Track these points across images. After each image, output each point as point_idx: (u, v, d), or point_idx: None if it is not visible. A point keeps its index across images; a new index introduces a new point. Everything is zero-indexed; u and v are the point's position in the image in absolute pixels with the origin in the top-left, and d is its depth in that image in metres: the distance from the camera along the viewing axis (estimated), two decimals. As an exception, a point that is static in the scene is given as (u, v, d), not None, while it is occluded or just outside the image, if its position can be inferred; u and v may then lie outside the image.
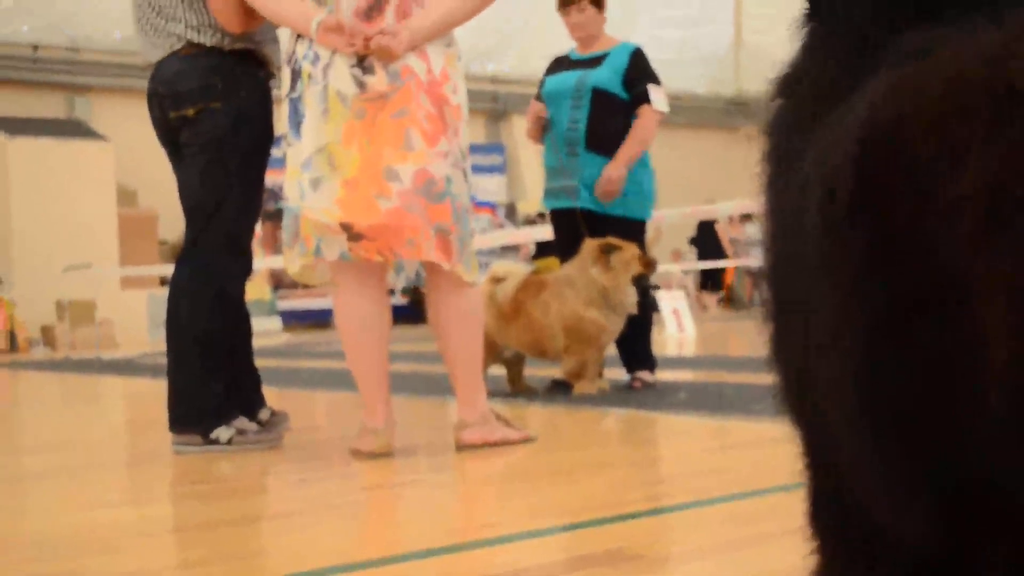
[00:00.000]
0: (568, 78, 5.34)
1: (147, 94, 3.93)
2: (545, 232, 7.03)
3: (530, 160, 20.85)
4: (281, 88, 3.63)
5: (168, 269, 9.33)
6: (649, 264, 5.14)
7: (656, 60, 5.47)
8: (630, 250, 5.05)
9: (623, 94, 5.25)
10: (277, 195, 8.73)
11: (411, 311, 16.49)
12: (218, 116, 3.77)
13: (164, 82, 3.83)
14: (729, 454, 3.39)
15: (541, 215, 15.73)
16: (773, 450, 3.14)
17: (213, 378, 3.77)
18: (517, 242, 15.34)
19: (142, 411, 6.08)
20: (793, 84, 1.06)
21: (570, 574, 1.96)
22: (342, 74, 3.37)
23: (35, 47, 18.94)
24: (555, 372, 5.44)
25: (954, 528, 0.88)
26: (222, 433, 3.74)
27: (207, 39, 3.78)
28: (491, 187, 21.63)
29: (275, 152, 4.05)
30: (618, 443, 3.92)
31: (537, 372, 5.83)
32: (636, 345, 5.35)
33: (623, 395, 5.00)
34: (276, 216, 14.66)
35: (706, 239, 19.07)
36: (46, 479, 3.53)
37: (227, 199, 3.81)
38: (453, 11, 3.43)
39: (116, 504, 3.05)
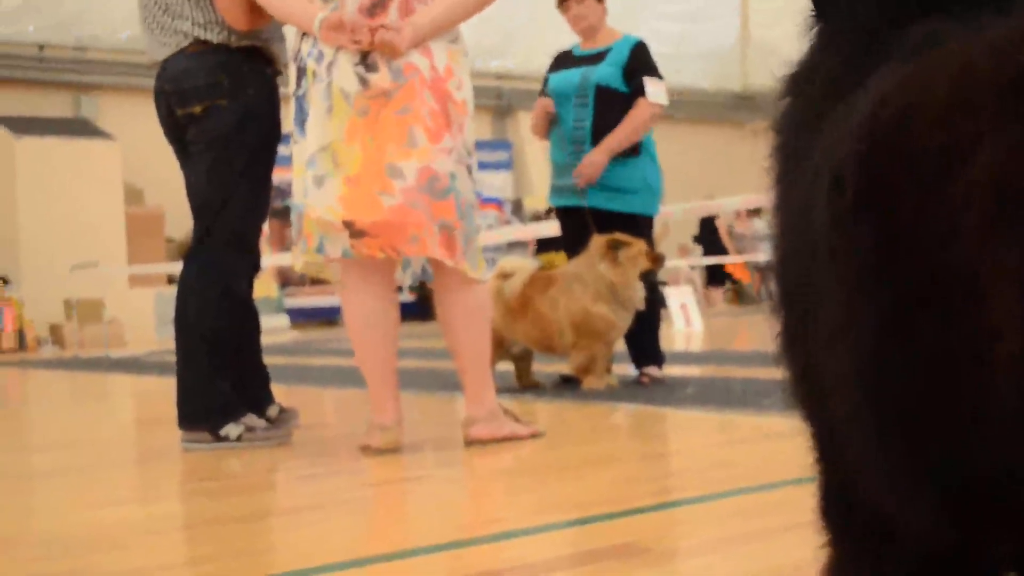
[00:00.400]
0: (572, 75, 5.32)
1: (154, 92, 3.93)
2: (552, 228, 7.02)
3: (536, 156, 20.82)
4: (287, 86, 3.63)
5: (175, 267, 9.33)
6: (657, 260, 5.14)
7: (660, 54, 5.44)
8: (638, 246, 5.05)
9: (625, 88, 5.24)
10: (284, 192, 8.74)
11: (419, 308, 16.50)
12: (225, 113, 3.77)
13: (171, 80, 3.84)
14: (737, 449, 3.38)
15: (548, 211, 15.72)
16: (781, 445, 3.14)
17: (220, 376, 3.78)
18: (524, 238, 15.31)
19: (150, 409, 6.10)
20: (801, 82, 1.06)
21: (578, 569, 1.97)
22: (346, 71, 3.37)
23: (41, 46, 18.94)
24: (563, 368, 5.44)
25: (961, 522, 0.88)
26: (231, 430, 3.75)
27: (214, 36, 3.78)
28: (497, 183, 21.60)
29: (282, 149, 4.05)
30: (626, 438, 3.92)
31: (545, 368, 5.83)
32: (644, 340, 5.35)
33: (631, 390, 5.00)
34: (283, 213, 14.73)
35: (708, 235, 19.01)
36: (55, 477, 3.54)
37: (234, 196, 3.81)
38: (456, 7, 3.43)
39: (125, 501, 3.06)
